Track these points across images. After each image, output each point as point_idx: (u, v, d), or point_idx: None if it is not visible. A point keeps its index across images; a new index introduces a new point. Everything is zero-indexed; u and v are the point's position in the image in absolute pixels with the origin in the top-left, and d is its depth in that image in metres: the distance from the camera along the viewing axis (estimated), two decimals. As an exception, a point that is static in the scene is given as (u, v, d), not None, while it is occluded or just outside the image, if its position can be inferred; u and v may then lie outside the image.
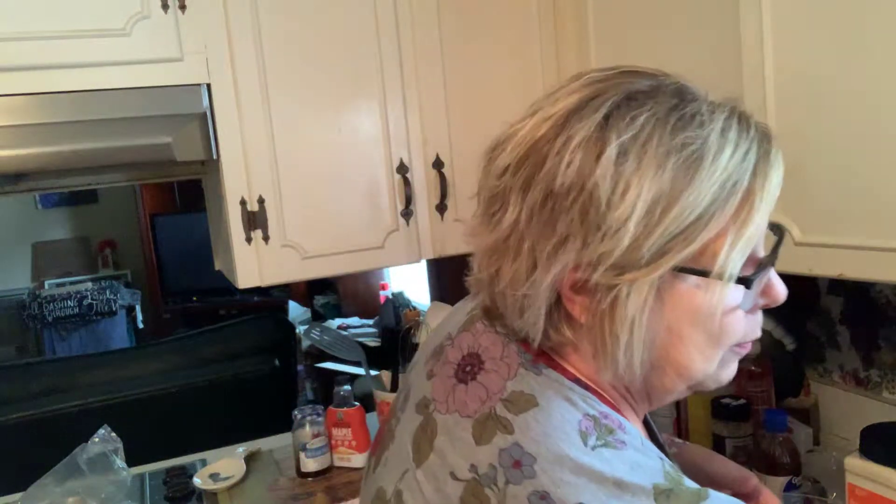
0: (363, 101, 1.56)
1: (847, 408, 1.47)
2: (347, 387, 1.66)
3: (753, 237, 0.58)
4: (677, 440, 0.92)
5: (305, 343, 3.48)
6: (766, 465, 1.25)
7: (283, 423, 1.77)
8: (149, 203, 5.35)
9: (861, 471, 1.11)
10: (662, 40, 1.35)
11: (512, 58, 1.65)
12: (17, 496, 1.49)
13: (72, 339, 4.81)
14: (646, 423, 0.78)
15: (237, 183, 1.48)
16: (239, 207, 1.48)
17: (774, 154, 0.61)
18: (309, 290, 4.47)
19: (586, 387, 0.61)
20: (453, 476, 0.57)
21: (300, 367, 3.45)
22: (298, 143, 1.51)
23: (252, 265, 1.50)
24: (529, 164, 0.59)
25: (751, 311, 0.63)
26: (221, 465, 1.68)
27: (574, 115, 0.58)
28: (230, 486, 1.60)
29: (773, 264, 0.62)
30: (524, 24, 1.65)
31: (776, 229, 0.66)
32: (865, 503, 1.10)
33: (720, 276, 0.57)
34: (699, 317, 0.59)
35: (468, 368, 0.64)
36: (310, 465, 1.60)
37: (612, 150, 0.56)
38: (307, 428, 1.60)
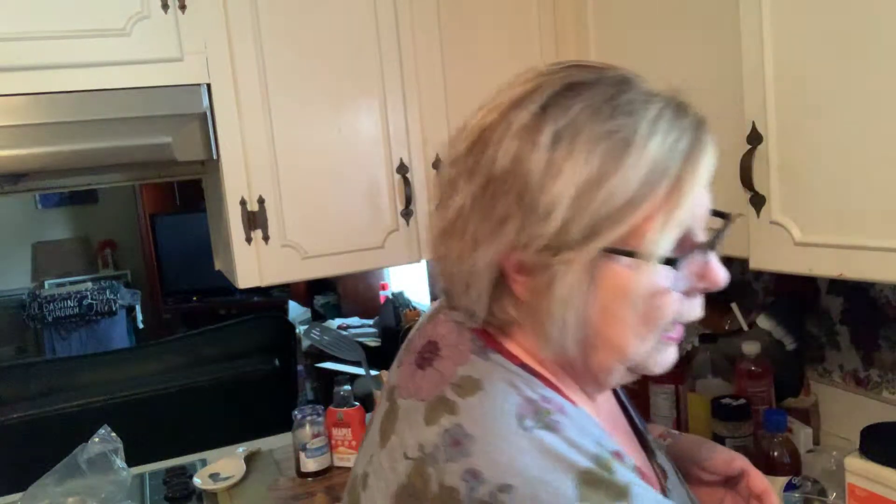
0: (363, 101, 1.56)
1: (847, 408, 1.47)
2: (347, 387, 1.66)
3: (684, 221, 0.60)
4: (673, 432, 0.93)
5: (305, 343, 3.47)
6: (766, 465, 1.25)
7: (283, 423, 1.77)
8: (149, 203, 5.35)
9: (861, 471, 1.11)
10: (662, 40, 1.35)
11: (512, 58, 1.65)
12: (17, 496, 1.49)
13: (72, 339, 4.82)
14: (624, 408, 0.81)
15: (237, 183, 1.48)
16: (239, 207, 1.48)
17: (706, 143, 0.63)
18: (309, 290, 4.47)
19: (532, 371, 0.64)
20: (405, 455, 0.60)
21: (300, 367, 3.45)
22: (298, 143, 1.51)
23: (252, 265, 1.50)
24: (475, 152, 0.63)
25: (688, 293, 0.65)
26: (221, 465, 1.68)
27: (515, 106, 0.63)
28: (230, 486, 1.60)
29: (712, 248, 0.64)
30: (524, 24, 1.65)
31: (724, 216, 0.68)
32: (865, 503, 1.10)
33: (647, 258, 0.59)
34: (630, 297, 0.61)
35: (426, 355, 0.68)
36: (310, 465, 1.60)
37: (546, 137, 0.59)
38: (307, 428, 1.60)
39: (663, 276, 0.61)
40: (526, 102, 0.62)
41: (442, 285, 0.69)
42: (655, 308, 0.62)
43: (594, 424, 0.64)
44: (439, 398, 0.62)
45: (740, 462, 0.85)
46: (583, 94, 0.62)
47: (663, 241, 0.59)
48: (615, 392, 0.81)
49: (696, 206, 0.61)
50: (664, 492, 0.73)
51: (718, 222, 0.67)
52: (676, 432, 0.93)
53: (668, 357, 0.67)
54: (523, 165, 0.60)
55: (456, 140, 0.67)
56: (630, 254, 0.59)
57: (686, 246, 0.62)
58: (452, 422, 0.59)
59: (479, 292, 0.64)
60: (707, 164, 0.62)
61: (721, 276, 0.65)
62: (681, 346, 0.69)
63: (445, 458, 0.57)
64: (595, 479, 0.56)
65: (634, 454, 0.73)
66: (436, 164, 1.61)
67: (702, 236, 0.64)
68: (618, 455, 0.61)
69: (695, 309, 0.66)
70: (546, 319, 0.61)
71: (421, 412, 0.62)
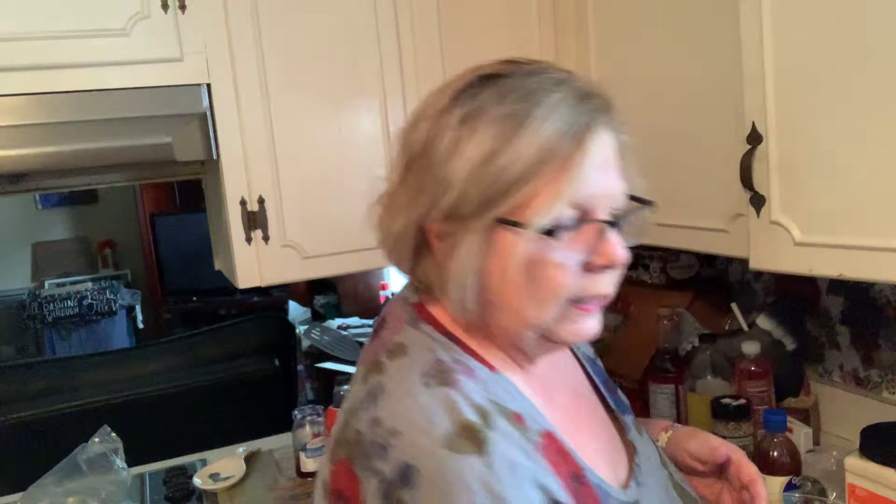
0: (363, 101, 1.56)
1: (847, 408, 1.47)
2: (347, 387, 1.66)
3: (574, 199, 0.66)
4: (676, 425, 0.95)
5: (305, 343, 3.47)
6: (766, 465, 1.25)
7: (283, 423, 1.77)
8: (149, 203, 5.34)
9: (861, 471, 1.11)
10: (662, 40, 1.35)
11: (512, 58, 1.65)
12: (17, 496, 1.49)
13: (72, 339, 4.81)
14: (598, 390, 0.87)
15: (237, 183, 1.48)
16: (239, 207, 1.48)
17: (599, 127, 0.68)
18: (309, 290, 4.46)
19: (454, 338, 0.73)
20: (342, 412, 0.71)
21: (300, 367, 3.44)
22: (298, 143, 1.51)
23: (252, 265, 1.50)
24: (405, 134, 0.74)
25: (588, 269, 0.69)
26: (221, 465, 1.68)
27: (437, 94, 0.72)
28: (230, 486, 1.60)
29: (612, 227, 0.70)
30: (524, 24, 1.65)
31: (643, 202, 0.76)
32: (865, 503, 1.10)
33: (532, 229, 0.66)
34: (522, 265, 0.67)
35: (377, 328, 0.79)
36: (310, 465, 1.60)
37: (454, 119, 0.68)
38: (307, 428, 1.60)
39: (547, 246, 0.67)
40: (446, 90, 0.71)
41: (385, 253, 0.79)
42: (546, 277, 0.68)
43: (507, 388, 0.71)
44: (374, 362, 0.72)
45: (725, 449, 0.87)
46: (496, 84, 0.69)
47: (547, 215, 0.66)
48: (590, 377, 0.88)
49: (589, 186, 0.67)
50: (631, 467, 0.78)
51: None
52: (678, 425, 0.95)
53: (582, 328, 0.72)
54: (434, 144, 0.69)
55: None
56: (518, 225, 0.66)
57: (581, 221, 0.68)
58: (377, 380, 0.69)
59: (399, 256, 0.75)
60: (596, 148, 0.67)
61: (617, 252, 0.69)
62: (600, 319, 0.74)
63: (361, 409, 0.67)
64: (469, 430, 0.63)
65: (595, 431, 0.80)
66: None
67: (602, 215, 0.69)
68: (518, 417, 0.68)
69: (598, 284, 0.70)
70: (450, 280, 0.69)
71: (360, 374, 0.72)
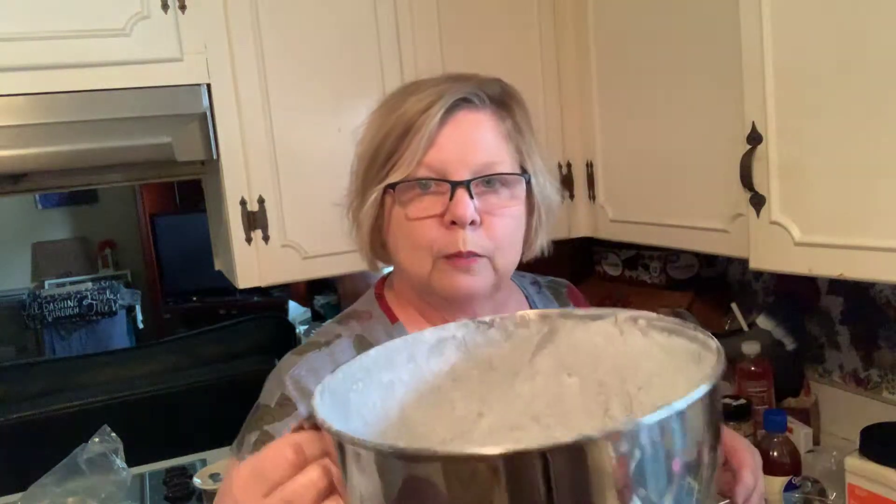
0: (363, 101, 1.55)
1: (847, 408, 1.47)
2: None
3: (430, 162, 0.81)
4: None
5: (305, 343, 3.47)
6: (766, 465, 1.24)
7: (283, 423, 1.77)
8: (149, 203, 5.34)
9: (861, 471, 1.11)
10: (662, 40, 1.35)
11: (512, 57, 1.65)
12: (17, 496, 1.49)
13: (72, 339, 4.81)
14: None
15: (237, 183, 1.48)
16: (239, 207, 1.48)
17: (462, 110, 0.83)
18: (309, 290, 4.46)
19: (380, 297, 0.95)
20: None
21: (300, 368, 3.44)
22: (298, 143, 1.51)
23: (252, 265, 1.50)
24: None
25: (444, 226, 0.81)
26: (221, 465, 1.68)
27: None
28: (230, 486, 1.60)
29: (461, 187, 0.82)
30: (524, 24, 1.65)
31: (514, 175, 0.87)
32: (865, 503, 1.10)
33: (383, 186, 0.84)
34: (395, 221, 0.85)
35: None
36: (310, 465, 1.60)
37: (367, 118, 0.89)
38: (307, 428, 1.60)
39: (409, 202, 0.83)
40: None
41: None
42: (411, 230, 0.83)
43: (389, 332, 0.88)
44: None
45: (729, 439, 0.86)
46: (406, 88, 0.87)
47: (404, 174, 0.82)
48: None
49: (442, 152, 0.81)
50: None
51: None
52: None
53: (454, 282, 0.83)
54: (359, 138, 0.89)
55: None
56: (389, 185, 0.83)
57: (436, 182, 0.82)
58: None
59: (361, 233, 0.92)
60: (458, 123, 0.82)
61: (459, 210, 0.80)
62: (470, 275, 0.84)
63: None
64: (314, 343, 0.89)
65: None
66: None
67: (454, 178, 0.81)
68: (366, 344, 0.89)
69: (456, 240, 0.81)
70: (358, 242, 0.92)
71: None
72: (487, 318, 0.58)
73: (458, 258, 0.81)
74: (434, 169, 0.81)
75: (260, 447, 0.69)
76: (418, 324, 0.88)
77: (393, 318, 0.91)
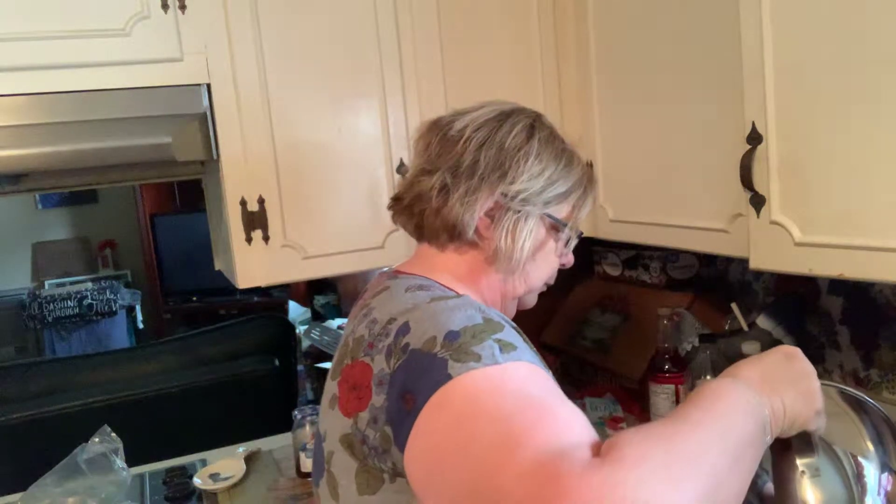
0: (363, 101, 1.56)
1: (847, 408, 1.46)
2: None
3: (579, 217, 1.01)
4: None
5: (305, 343, 3.47)
6: (766, 465, 1.24)
7: (283, 423, 1.77)
8: (149, 203, 5.34)
9: (861, 471, 1.11)
10: (662, 41, 1.35)
11: (512, 58, 1.65)
12: (17, 496, 1.49)
13: (72, 339, 4.82)
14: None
15: (237, 183, 1.48)
16: (239, 207, 1.48)
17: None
18: (309, 290, 4.47)
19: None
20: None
21: (300, 367, 3.44)
22: (298, 143, 1.51)
23: (252, 265, 1.50)
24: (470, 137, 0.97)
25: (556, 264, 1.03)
26: (221, 465, 1.68)
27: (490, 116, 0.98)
28: (230, 486, 1.60)
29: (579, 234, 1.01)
30: (524, 24, 1.65)
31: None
32: (865, 503, 1.10)
33: (567, 228, 0.99)
34: (546, 248, 0.99)
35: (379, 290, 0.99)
36: (310, 465, 1.60)
37: (526, 137, 0.97)
38: (307, 428, 1.60)
39: (562, 243, 1.00)
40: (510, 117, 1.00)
41: None
42: (552, 261, 1.01)
43: None
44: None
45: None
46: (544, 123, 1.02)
47: (575, 222, 1.00)
48: None
49: (584, 213, 1.02)
50: None
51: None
52: None
53: (534, 301, 1.05)
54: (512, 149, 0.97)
55: None
56: (558, 221, 0.97)
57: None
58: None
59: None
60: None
61: (572, 259, 1.02)
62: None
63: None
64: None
65: None
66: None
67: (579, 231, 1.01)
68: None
69: (554, 276, 1.02)
70: (506, 244, 0.97)
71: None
72: None
73: (542, 287, 1.02)
74: (578, 222, 1.00)
75: (510, 351, 0.71)
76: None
77: None
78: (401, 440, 0.70)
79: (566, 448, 0.59)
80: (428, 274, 0.93)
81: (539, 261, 0.96)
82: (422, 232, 0.96)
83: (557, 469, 0.57)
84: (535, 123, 0.95)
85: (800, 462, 0.82)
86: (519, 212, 0.91)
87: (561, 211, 0.96)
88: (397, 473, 0.74)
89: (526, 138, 0.93)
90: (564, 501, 0.54)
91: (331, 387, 0.87)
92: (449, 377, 0.68)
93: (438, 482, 0.66)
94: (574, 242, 1.00)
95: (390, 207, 1.00)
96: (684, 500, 0.56)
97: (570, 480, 0.55)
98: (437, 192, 0.92)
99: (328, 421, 0.85)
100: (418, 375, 0.71)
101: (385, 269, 1.06)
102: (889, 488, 0.83)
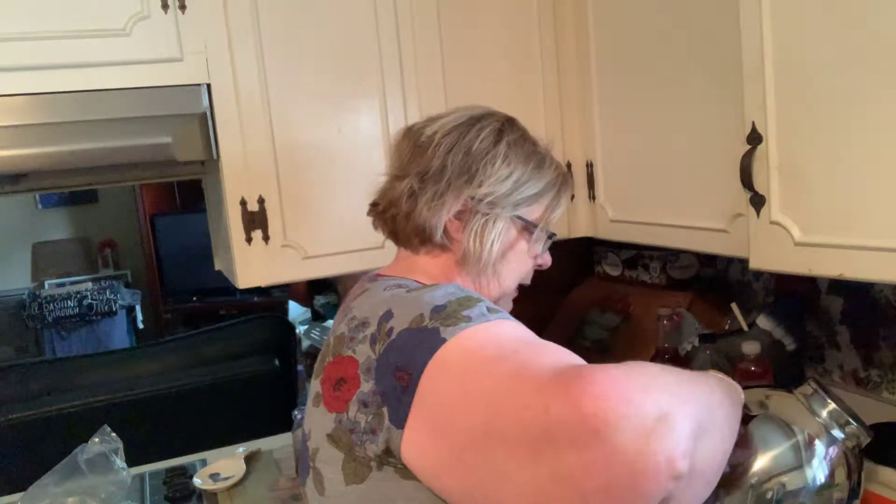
0: (363, 101, 1.56)
1: (847, 408, 1.46)
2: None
3: (553, 218, 1.03)
4: None
5: (305, 343, 3.47)
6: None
7: (284, 423, 1.77)
8: (149, 203, 5.34)
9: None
10: (662, 41, 1.35)
11: (512, 57, 1.65)
12: (17, 496, 1.49)
13: (72, 339, 4.81)
14: None
15: (237, 183, 1.48)
16: (239, 207, 1.48)
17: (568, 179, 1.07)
18: (309, 290, 4.47)
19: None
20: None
21: (300, 367, 3.44)
22: (298, 143, 1.51)
23: (252, 265, 1.50)
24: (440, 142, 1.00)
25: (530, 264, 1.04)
26: (221, 465, 1.68)
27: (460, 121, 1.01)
28: (230, 486, 1.60)
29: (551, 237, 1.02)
30: (524, 23, 1.65)
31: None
32: (865, 503, 1.10)
33: (538, 229, 1.00)
34: (520, 249, 1.01)
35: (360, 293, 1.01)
36: (310, 465, 1.60)
37: (497, 143, 0.98)
38: (307, 428, 1.60)
39: (536, 244, 1.02)
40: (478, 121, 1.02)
41: None
42: (525, 261, 1.02)
43: None
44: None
45: None
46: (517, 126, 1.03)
47: (547, 224, 1.02)
48: None
49: (557, 213, 1.03)
50: None
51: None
52: None
53: (510, 305, 1.04)
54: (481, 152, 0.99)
55: None
56: (528, 223, 0.99)
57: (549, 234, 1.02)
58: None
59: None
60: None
61: (549, 260, 1.04)
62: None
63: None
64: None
65: None
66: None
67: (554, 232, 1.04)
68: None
69: (529, 277, 1.03)
70: (474, 246, 1.00)
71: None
72: None
73: (517, 290, 1.04)
74: (551, 223, 1.01)
75: (498, 312, 0.76)
76: None
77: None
78: (399, 417, 0.71)
79: (574, 363, 0.66)
80: (406, 275, 0.95)
81: (511, 261, 0.97)
82: (397, 236, 0.99)
83: (577, 370, 0.62)
84: (503, 127, 0.96)
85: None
86: (487, 214, 0.93)
87: (533, 212, 0.98)
88: (385, 460, 0.75)
89: (493, 142, 0.94)
90: (595, 388, 0.59)
91: (314, 385, 0.88)
92: (444, 340, 0.71)
93: (450, 435, 0.68)
94: (548, 243, 1.02)
95: (369, 213, 1.02)
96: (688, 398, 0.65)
97: (593, 374, 0.60)
98: (406, 197, 0.94)
99: (313, 419, 0.86)
100: (410, 350, 0.73)
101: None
102: (834, 456, 0.89)
